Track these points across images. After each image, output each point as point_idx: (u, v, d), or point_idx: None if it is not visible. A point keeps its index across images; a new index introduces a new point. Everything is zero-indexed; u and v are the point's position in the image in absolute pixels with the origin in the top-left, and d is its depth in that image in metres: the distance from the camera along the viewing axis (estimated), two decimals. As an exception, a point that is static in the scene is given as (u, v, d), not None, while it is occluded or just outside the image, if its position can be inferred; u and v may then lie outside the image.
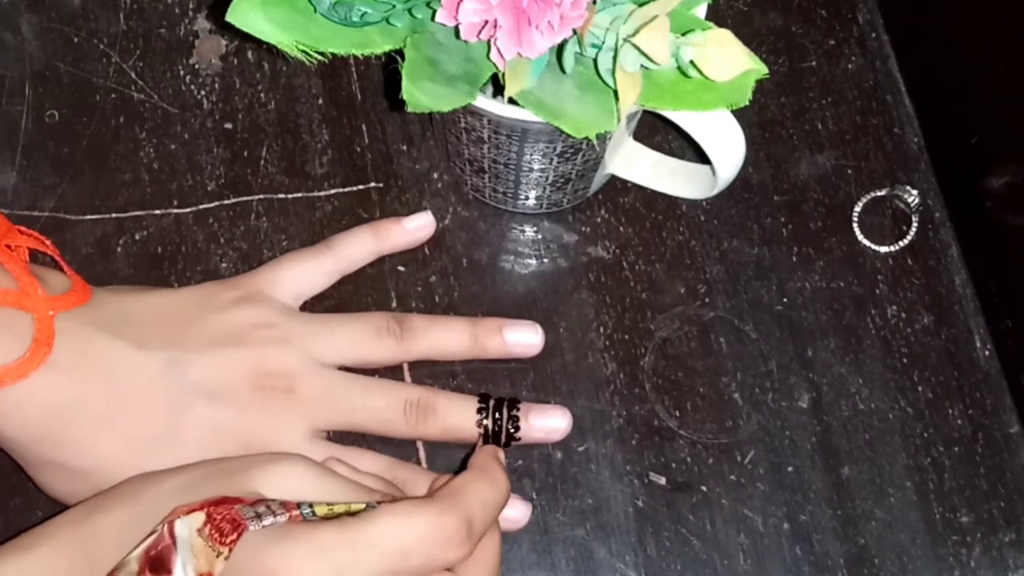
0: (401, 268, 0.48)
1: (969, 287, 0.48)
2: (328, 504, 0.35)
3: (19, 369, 0.38)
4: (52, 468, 0.40)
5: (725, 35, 0.34)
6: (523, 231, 0.49)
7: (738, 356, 0.47)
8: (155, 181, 0.49)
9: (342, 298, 0.47)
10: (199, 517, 0.33)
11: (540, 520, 0.44)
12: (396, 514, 0.35)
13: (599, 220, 0.49)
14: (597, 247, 0.48)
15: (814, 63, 0.52)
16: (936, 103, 0.50)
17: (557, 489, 0.44)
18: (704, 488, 0.45)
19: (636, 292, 0.48)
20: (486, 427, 0.43)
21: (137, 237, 0.48)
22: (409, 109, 0.35)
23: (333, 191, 0.49)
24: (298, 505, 0.34)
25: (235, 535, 0.32)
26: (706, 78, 0.35)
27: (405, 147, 0.50)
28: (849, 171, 0.50)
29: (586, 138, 0.36)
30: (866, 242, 0.49)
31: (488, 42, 0.35)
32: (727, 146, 0.39)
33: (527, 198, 0.47)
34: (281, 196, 0.49)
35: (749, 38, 0.52)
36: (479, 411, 0.43)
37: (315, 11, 0.36)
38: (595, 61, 0.35)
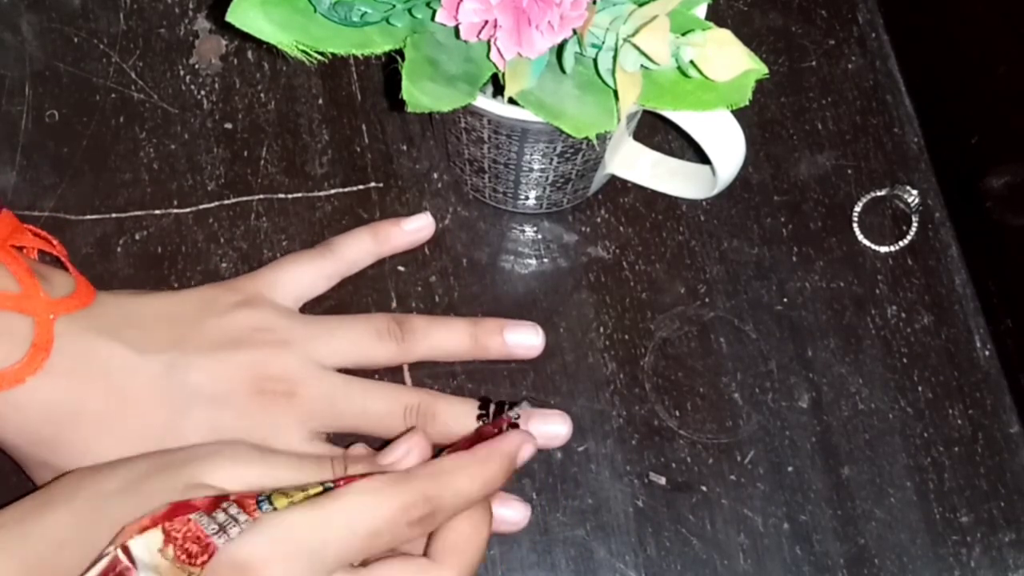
0: (401, 268, 0.48)
1: (969, 287, 0.48)
2: (286, 495, 0.34)
3: (17, 373, 0.38)
4: (51, 470, 0.40)
5: (725, 35, 0.34)
6: (523, 231, 0.49)
7: (738, 356, 0.47)
8: (155, 181, 0.49)
9: (342, 299, 0.47)
10: (156, 536, 0.32)
11: (540, 520, 0.44)
12: (364, 492, 0.35)
13: (599, 220, 0.49)
14: (597, 247, 0.48)
15: (814, 63, 0.52)
16: (936, 103, 0.50)
17: (557, 489, 0.44)
18: (704, 488, 0.45)
19: (636, 292, 0.48)
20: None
21: (137, 237, 0.48)
22: (409, 109, 0.35)
23: (333, 191, 0.49)
24: (257, 503, 0.34)
25: (206, 556, 0.32)
26: (706, 78, 0.35)
27: (405, 147, 0.50)
28: (849, 171, 0.50)
29: (586, 138, 0.36)
30: (866, 242, 0.49)
31: (488, 42, 0.35)
32: (727, 146, 0.39)
33: (527, 198, 0.47)
34: (281, 196, 0.49)
35: (749, 38, 0.52)
36: (479, 417, 0.43)
37: (315, 11, 0.36)
38: (595, 61, 0.35)
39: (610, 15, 0.34)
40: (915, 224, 0.49)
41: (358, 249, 0.46)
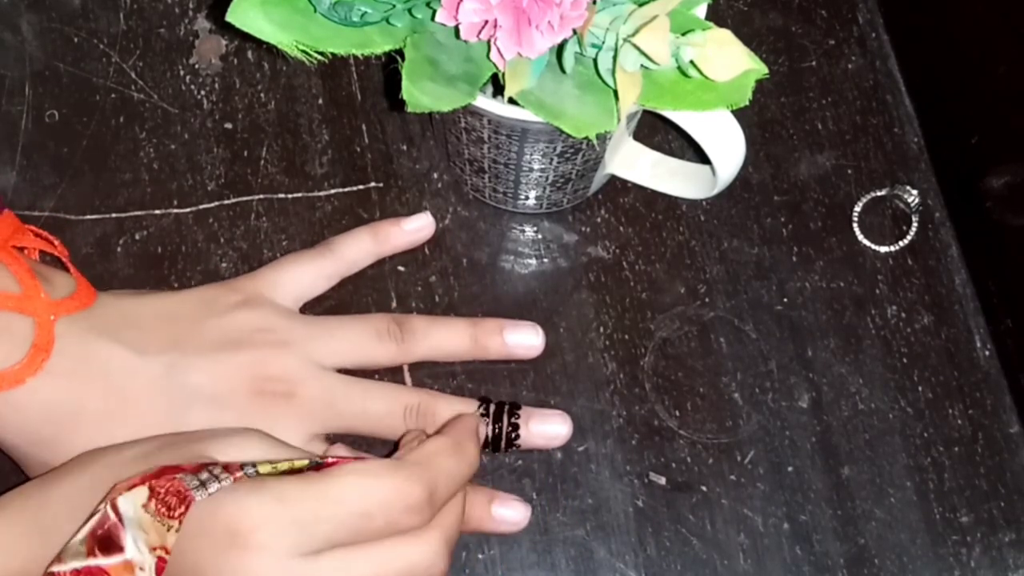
0: (401, 268, 0.48)
1: (969, 287, 0.48)
2: (271, 463, 0.34)
3: (17, 374, 0.38)
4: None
5: (725, 35, 0.34)
6: (523, 231, 0.49)
7: (738, 356, 0.47)
8: (155, 181, 0.49)
9: (342, 298, 0.47)
10: (142, 492, 0.33)
11: (540, 520, 0.44)
12: (360, 473, 0.35)
13: (599, 220, 0.49)
14: (597, 247, 0.48)
15: (814, 63, 0.52)
16: (936, 103, 0.50)
17: (557, 489, 0.44)
18: (704, 488, 0.45)
19: (636, 292, 0.48)
20: (486, 435, 0.43)
21: (137, 237, 0.48)
22: (409, 109, 0.35)
23: (333, 191, 0.49)
24: (241, 466, 0.34)
25: (183, 507, 0.32)
26: (706, 78, 0.35)
27: (405, 147, 0.50)
28: (849, 171, 0.50)
29: (586, 138, 0.36)
30: (866, 242, 0.49)
31: (488, 42, 0.35)
32: (727, 146, 0.39)
33: (527, 198, 0.47)
34: (281, 196, 0.49)
35: (749, 38, 0.52)
36: (479, 417, 0.43)
37: (315, 11, 0.36)
38: (595, 61, 0.35)
39: (610, 15, 0.34)
40: (915, 224, 0.49)
41: (358, 249, 0.46)
